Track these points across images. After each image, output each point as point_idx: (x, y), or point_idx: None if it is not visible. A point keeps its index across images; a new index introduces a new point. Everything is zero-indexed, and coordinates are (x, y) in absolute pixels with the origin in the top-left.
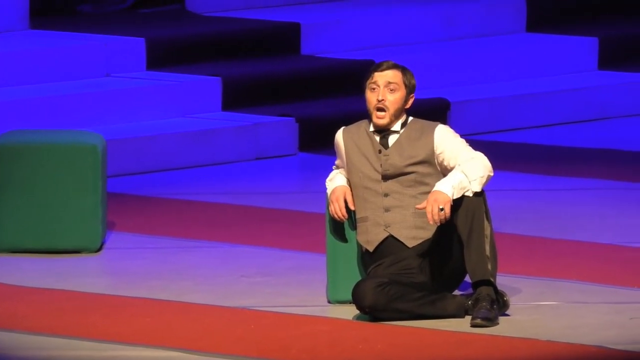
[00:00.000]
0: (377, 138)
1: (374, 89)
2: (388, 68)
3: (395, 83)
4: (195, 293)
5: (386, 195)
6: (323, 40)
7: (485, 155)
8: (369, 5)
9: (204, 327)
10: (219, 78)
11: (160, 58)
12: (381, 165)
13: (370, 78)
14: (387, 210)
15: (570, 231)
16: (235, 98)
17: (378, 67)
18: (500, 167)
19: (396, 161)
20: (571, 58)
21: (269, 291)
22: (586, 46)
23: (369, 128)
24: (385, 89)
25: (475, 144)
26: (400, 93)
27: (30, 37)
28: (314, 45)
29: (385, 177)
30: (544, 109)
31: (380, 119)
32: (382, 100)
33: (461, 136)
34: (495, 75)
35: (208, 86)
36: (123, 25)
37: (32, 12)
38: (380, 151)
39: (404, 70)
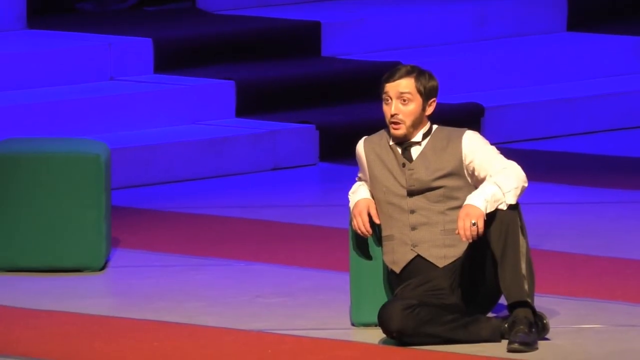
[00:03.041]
0: (399, 150)
1: (387, 100)
2: (400, 77)
3: (408, 92)
4: (207, 315)
5: (412, 212)
6: (345, 41)
7: (523, 165)
8: (395, 2)
9: (215, 352)
10: (232, 82)
11: (169, 60)
12: (406, 180)
13: (382, 89)
14: (413, 228)
15: (615, 248)
16: (250, 103)
17: (389, 77)
18: (539, 178)
19: (422, 175)
20: (615, 59)
21: (287, 313)
22: (632, 46)
23: (389, 140)
24: (398, 100)
25: (512, 153)
26: (416, 103)
27: (28, 37)
28: (335, 46)
29: (411, 193)
30: (586, 114)
31: (397, 129)
32: (395, 114)
33: (497, 144)
34: (533, 79)
35: (221, 90)
36: (128, 25)
37: (29, 10)
38: (404, 165)
39: (418, 75)
